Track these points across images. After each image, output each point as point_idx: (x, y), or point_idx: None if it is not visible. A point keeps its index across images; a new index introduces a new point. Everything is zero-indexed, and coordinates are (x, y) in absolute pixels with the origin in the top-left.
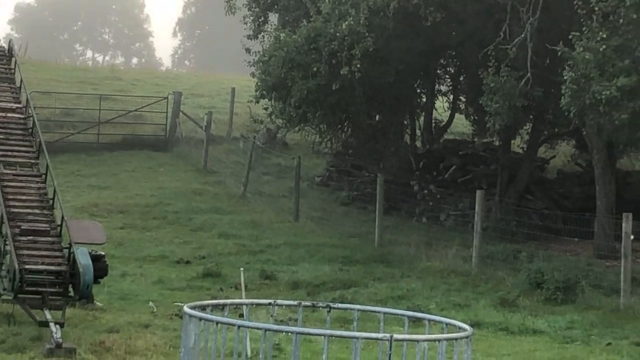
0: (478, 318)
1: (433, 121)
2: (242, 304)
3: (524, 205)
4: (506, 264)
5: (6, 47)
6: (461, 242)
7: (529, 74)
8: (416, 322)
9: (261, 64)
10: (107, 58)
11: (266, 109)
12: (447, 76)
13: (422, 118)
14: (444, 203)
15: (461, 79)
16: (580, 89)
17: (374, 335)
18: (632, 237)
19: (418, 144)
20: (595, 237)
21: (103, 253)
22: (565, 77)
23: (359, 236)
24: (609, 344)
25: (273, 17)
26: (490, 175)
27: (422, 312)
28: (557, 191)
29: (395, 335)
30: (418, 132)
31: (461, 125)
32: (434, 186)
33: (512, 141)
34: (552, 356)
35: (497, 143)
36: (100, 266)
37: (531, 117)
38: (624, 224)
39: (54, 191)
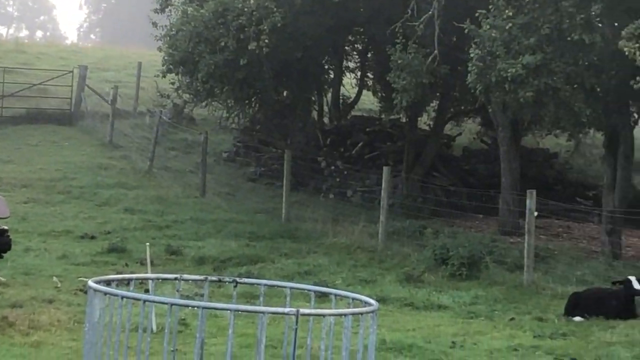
0: (384, 293)
1: (341, 97)
2: (147, 279)
3: (430, 181)
4: (412, 240)
5: None
6: (368, 218)
7: (436, 52)
8: (323, 298)
9: (168, 38)
10: (11, 31)
11: (173, 83)
12: (354, 53)
13: (329, 94)
14: (351, 179)
15: (369, 55)
16: (486, 66)
17: (280, 310)
18: (535, 213)
19: (326, 120)
20: (499, 213)
21: (6, 227)
22: (471, 55)
23: (266, 212)
24: (512, 319)
25: None
26: (397, 152)
27: (329, 287)
28: (462, 168)
29: (302, 310)
30: (326, 109)
31: (368, 101)
32: (341, 162)
33: (419, 118)
34: (456, 331)
35: (404, 120)
36: (3, 241)
37: (438, 94)
38: (527, 201)
39: None
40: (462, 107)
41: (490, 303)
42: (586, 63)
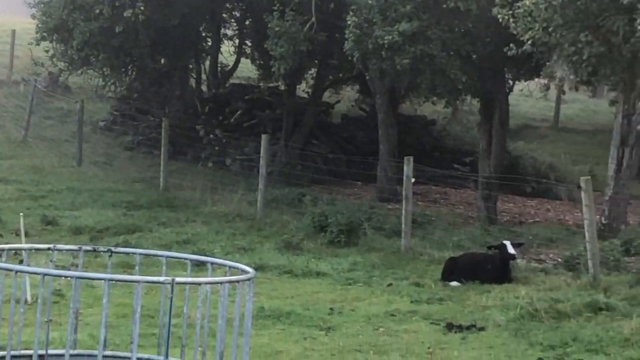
0: (262, 261)
1: (219, 65)
2: (20, 249)
3: (309, 149)
4: (291, 207)
5: None
6: (247, 186)
7: (313, 19)
8: (201, 266)
9: (42, 5)
10: None
11: (47, 51)
12: (233, 20)
13: (207, 62)
14: (230, 147)
15: (247, 23)
16: (363, 33)
17: (155, 279)
18: (412, 180)
19: (204, 88)
20: (377, 180)
21: None
22: (348, 22)
23: (143, 181)
24: (389, 284)
25: None
26: (276, 119)
27: (207, 256)
28: (341, 136)
29: (177, 279)
30: (204, 77)
31: (247, 69)
32: (220, 131)
33: (298, 86)
34: (334, 297)
35: (282, 88)
36: None
37: (316, 61)
38: (405, 168)
39: None
40: (341, 75)
41: (369, 269)
42: (462, 30)
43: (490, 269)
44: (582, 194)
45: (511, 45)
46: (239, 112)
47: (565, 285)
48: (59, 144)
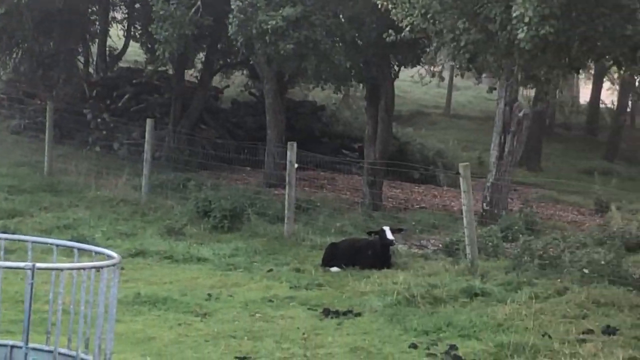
0: (143, 247)
1: (107, 49)
2: None
3: (197, 134)
4: (176, 193)
5: None
6: (133, 171)
7: (199, 3)
8: (82, 252)
9: None
10: None
11: None
12: (122, 3)
13: (96, 45)
14: (118, 132)
15: (136, 6)
16: (247, 18)
17: (16, 264)
18: (295, 165)
19: (93, 72)
20: (265, 166)
21: None
22: (232, 6)
23: (28, 165)
24: (270, 270)
25: None
26: (165, 104)
27: (87, 241)
28: (230, 121)
29: (38, 265)
30: (92, 60)
31: (135, 53)
32: (108, 115)
33: (187, 70)
34: (213, 283)
35: (171, 72)
36: None
37: (205, 46)
38: (288, 153)
39: None
40: (230, 60)
41: (250, 255)
42: (346, 16)
43: (371, 254)
44: (461, 180)
45: (390, 31)
46: (126, 96)
47: (444, 270)
48: None
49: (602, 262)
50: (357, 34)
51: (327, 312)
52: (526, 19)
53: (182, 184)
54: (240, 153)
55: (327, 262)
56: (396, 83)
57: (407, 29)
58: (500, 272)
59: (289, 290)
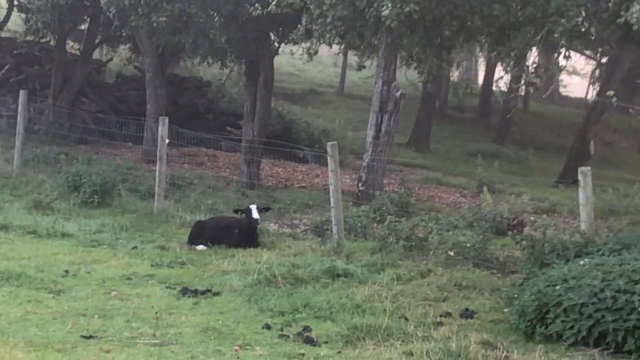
0: (7, 221)
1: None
2: None
3: (79, 107)
4: (51, 167)
5: None
6: (8, 144)
7: None
8: None
9: None
10: None
11: None
12: None
13: None
14: None
15: None
16: None
17: None
18: (167, 140)
19: None
20: (144, 141)
21: None
22: None
23: None
24: (134, 247)
25: None
26: (45, 76)
27: None
28: (114, 95)
29: None
30: None
31: (17, 23)
32: None
33: (72, 43)
34: (73, 259)
35: (53, 43)
36: None
37: (86, 17)
38: (160, 128)
39: None
40: (112, 33)
41: (117, 231)
42: None
43: (237, 233)
44: (328, 159)
45: (257, 5)
46: (6, 67)
47: (310, 251)
48: None
49: (468, 245)
50: (234, 8)
51: (185, 291)
52: None
53: (57, 158)
54: (121, 128)
55: (194, 240)
56: (290, 61)
57: (274, 2)
58: (366, 254)
59: (150, 268)
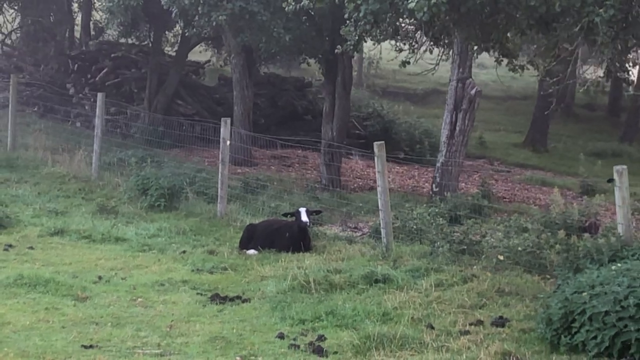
0: (66, 225)
1: (92, 21)
2: None
3: (174, 109)
4: (131, 170)
5: None
6: (103, 147)
7: None
8: None
9: None
10: None
11: None
12: None
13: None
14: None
15: None
16: None
17: None
18: (228, 142)
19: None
20: (232, 141)
21: None
22: None
23: None
24: (183, 252)
25: None
26: (142, 78)
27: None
28: (213, 97)
29: None
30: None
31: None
32: (88, 89)
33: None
34: (115, 264)
35: (150, 45)
36: None
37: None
38: (222, 129)
39: None
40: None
41: (172, 235)
42: None
43: (288, 237)
44: (375, 159)
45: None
46: (104, 71)
47: (360, 255)
48: None
49: (519, 249)
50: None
51: (214, 298)
52: None
53: (128, 161)
54: (213, 131)
55: (245, 244)
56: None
57: None
58: (414, 258)
59: (189, 274)
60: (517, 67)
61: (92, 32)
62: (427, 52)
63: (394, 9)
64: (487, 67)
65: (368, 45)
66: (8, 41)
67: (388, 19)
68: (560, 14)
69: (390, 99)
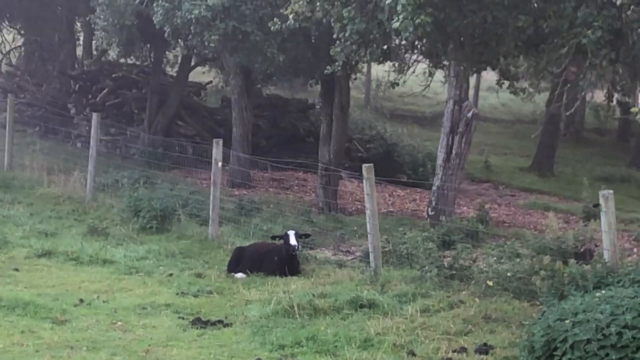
0: (54, 247)
1: (94, 41)
2: None
3: (174, 130)
4: (125, 191)
5: None
6: (102, 169)
7: None
8: None
9: None
10: None
11: None
12: None
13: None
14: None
15: None
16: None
17: None
18: (220, 164)
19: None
20: (230, 165)
21: None
22: None
23: None
24: (170, 275)
25: None
26: (142, 99)
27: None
28: (214, 118)
29: None
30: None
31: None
32: (89, 109)
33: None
34: (99, 287)
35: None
36: None
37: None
38: (214, 150)
39: None
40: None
41: (161, 258)
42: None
43: (276, 260)
44: (364, 182)
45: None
46: (105, 91)
47: (348, 279)
48: None
49: (509, 274)
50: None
51: (195, 322)
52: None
53: (121, 182)
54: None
55: (233, 267)
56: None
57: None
58: (402, 282)
59: (173, 297)
60: (518, 90)
61: (95, 52)
62: (423, 73)
63: (381, 29)
64: (497, 91)
65: (378, 68)
66: (6, 61)
67: (375, 39)
68: (548, 35)
69: (398, 121)
